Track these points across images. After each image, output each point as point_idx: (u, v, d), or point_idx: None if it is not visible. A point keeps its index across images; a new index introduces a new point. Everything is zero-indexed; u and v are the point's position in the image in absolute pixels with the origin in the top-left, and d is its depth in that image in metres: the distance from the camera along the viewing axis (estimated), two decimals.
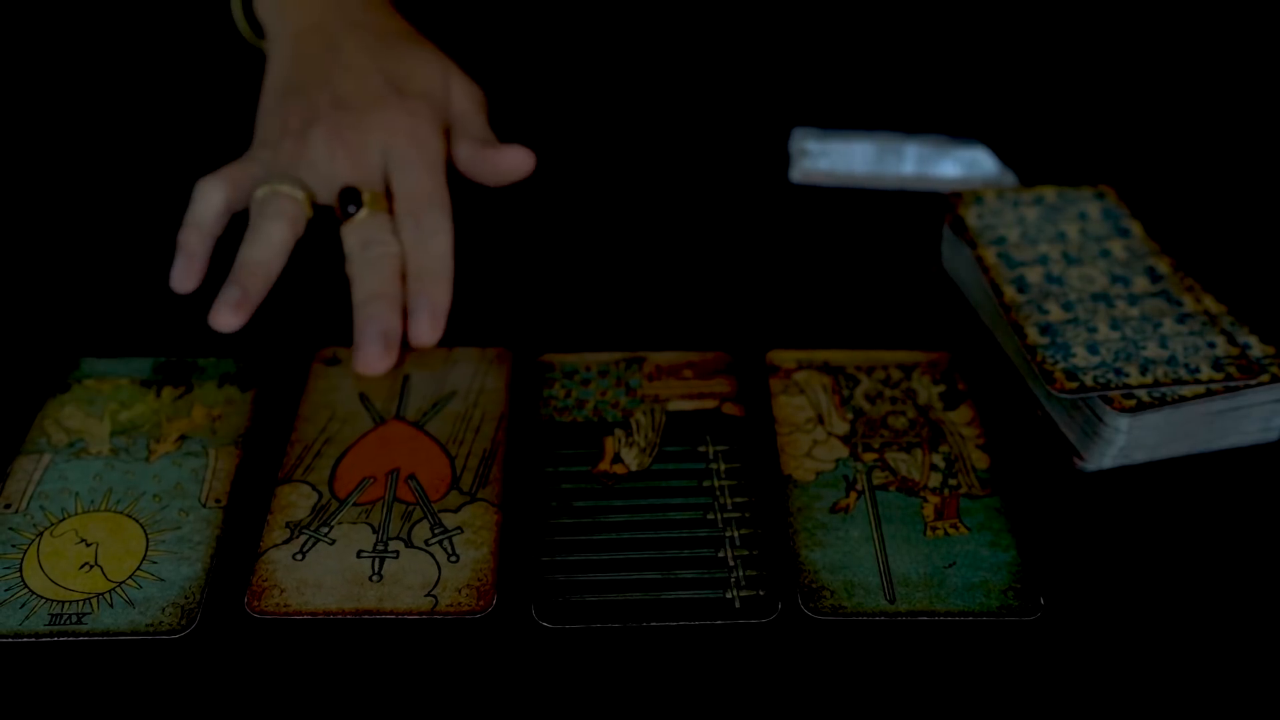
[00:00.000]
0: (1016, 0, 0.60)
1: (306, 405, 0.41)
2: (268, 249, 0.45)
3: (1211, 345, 0.40)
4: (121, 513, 0.37)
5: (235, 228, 0.47)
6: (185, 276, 0.45)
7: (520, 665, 0.34)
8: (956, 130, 0.53)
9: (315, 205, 0.47)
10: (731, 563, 0.36)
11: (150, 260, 0.46)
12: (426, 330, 0.44)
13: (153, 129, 0.53)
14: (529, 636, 0.34)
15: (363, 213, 0.46)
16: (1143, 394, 0.39)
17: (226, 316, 0.44)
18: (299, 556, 0.36)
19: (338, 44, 0.49)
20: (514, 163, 0.49)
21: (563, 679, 0.33)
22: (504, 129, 0.51)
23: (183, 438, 0.40)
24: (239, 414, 0.41)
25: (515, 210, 0.50)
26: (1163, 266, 0.44)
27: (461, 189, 0.49)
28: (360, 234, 0.46)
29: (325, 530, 0.37)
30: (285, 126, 0.48)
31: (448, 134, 0.49)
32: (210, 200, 0.46)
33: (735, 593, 0.36)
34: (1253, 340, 0.41)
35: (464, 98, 0.51)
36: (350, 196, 0.46)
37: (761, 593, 0.36)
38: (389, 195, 0.47)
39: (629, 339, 0.44)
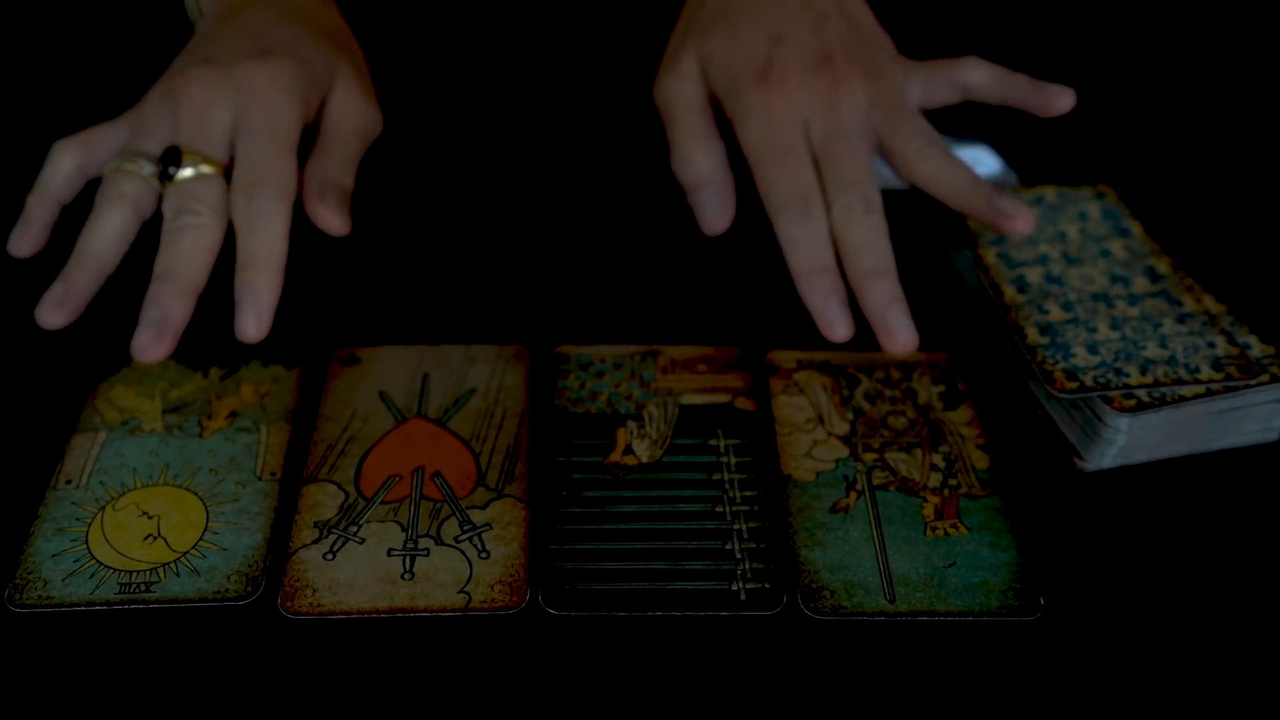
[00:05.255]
0: (1016, 0, 0.54)
1: (327, 404, 0.38)
2: (104, 238, 0.38)
3: (1211, 345, 0.36)
4: (180, 486, 0.35)
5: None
6: (20, 241, 0.40)
7: (548, 660, 0.31)
8: (957, 130, 0.48)
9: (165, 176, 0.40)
10: (738, 555, 0.33)
11: None
12: (250, 326, 0.38)
13: None
14: (557, 631, 0.31)
15: (188, 173, 0.38)
16: (1143, 394, 0.35)
17: (50, 314, 0.38)
18: (329, 556, 0.33)
19: (239, 14, 0.43)
20: (325, 223, 0.41)
21: (567, 665, 0.30)
22: (516, 128, 0.47)
23: (233, 414, 0.37)
24: (286, 391, 0.38)
25: (532, 207, 0.46)
26: (1163, 266, 0.40)
27: (474, 183, 0.44)
28: (176, 201, 0.38)
29: (354, 529, 0.34)
30: (154, 88, 0.41)
31: (321, 117, 0.42)
32: (59, 165, 0.40)
33: (741, 585, 0.32)
34: (1253, 340, 0.37)
35: (348, 113, 0.42)
36: (170, 156, 0.38)
37: (767, 585, 0.32)
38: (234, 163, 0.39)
39: (644, 333, 0.41)
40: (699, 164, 0.42)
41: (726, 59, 0.42)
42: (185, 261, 0.37)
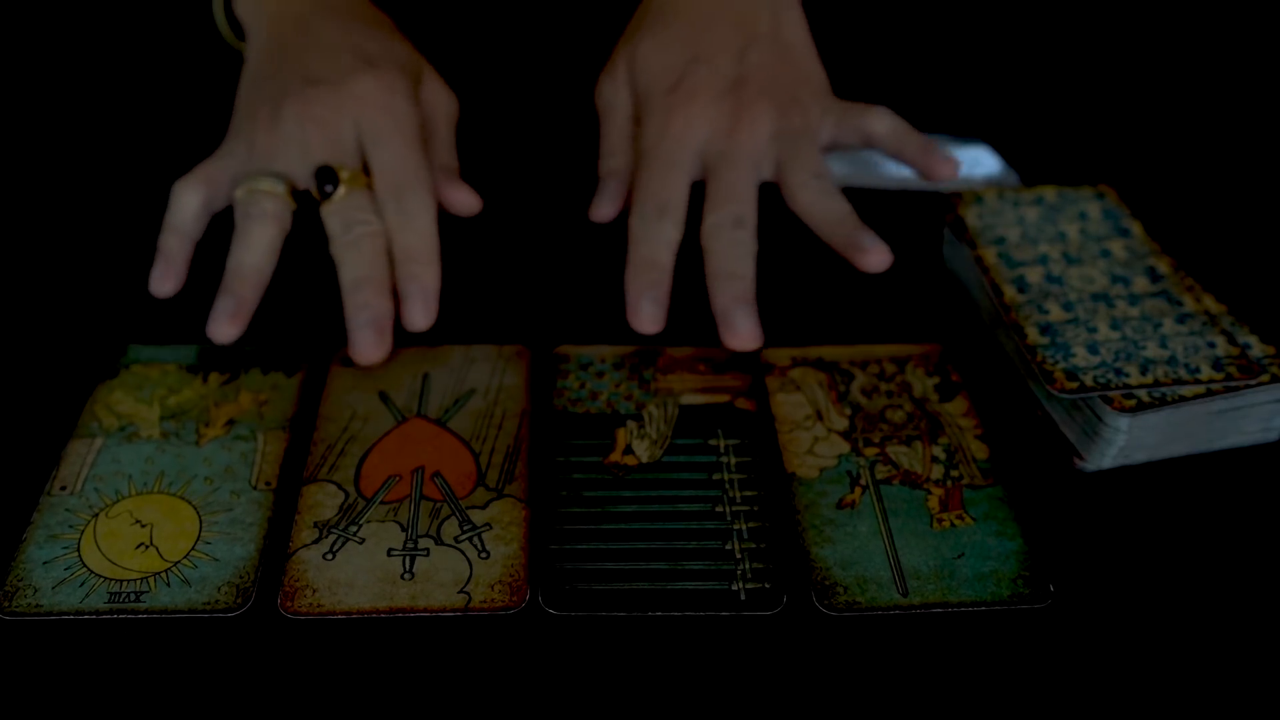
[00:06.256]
0: (1017, 0, 0.55)
1: (327, 405, 0.38)
2: (256, 252, 0.41)
3: (1211, 345, 0.37)
4: (174, 495, 0.35)
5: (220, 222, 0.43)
6: (164, 280, 0.42)
7: (548, 660, 0.31)
8: (959, 130, 0.49)
9: (297, 193, 0.42)
10: (738, 555, 0.33)
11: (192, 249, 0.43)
12: (420, 315, 0.40)
13: (194, 128, 0.50)
14: (557, 631, 0.31)
15: (341, 191, 0.41)
16: (1143, 394, 0.35)
17: (224, 328, 0.40)
18: (329, 556, 0.33)
19: (311, 28, 0.45)
20: (461, 204, 0.44)
21: (567, 665, 0.31)
22: (515, 127, 0.47)
23: (231, 422, 0.37)
24: (285, 399, 0.38)
25: (531, 208, 0.47)
26: (1163, 266, 0.40)
27: (474, 184, 0.45)
28: (341, 215, 0.41)
29: (354, 529, 0.34)
30: (256, 113, 0.43)
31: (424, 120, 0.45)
32: (187, 203, 0.42)
33: (741, 585, 0.33)
34: (1253, 340, 0.38)
35: (436, 102, 0.46)
36: (326, 176, 0.41)
37: (767, 585, 0.33)
38: (368, 172, 0.42)
39: (644, 334, 0.41)
40: (614, 160, 0.46)
41: (648, 69, 0.45)
42: (374, 265, 0.40)
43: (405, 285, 0.40)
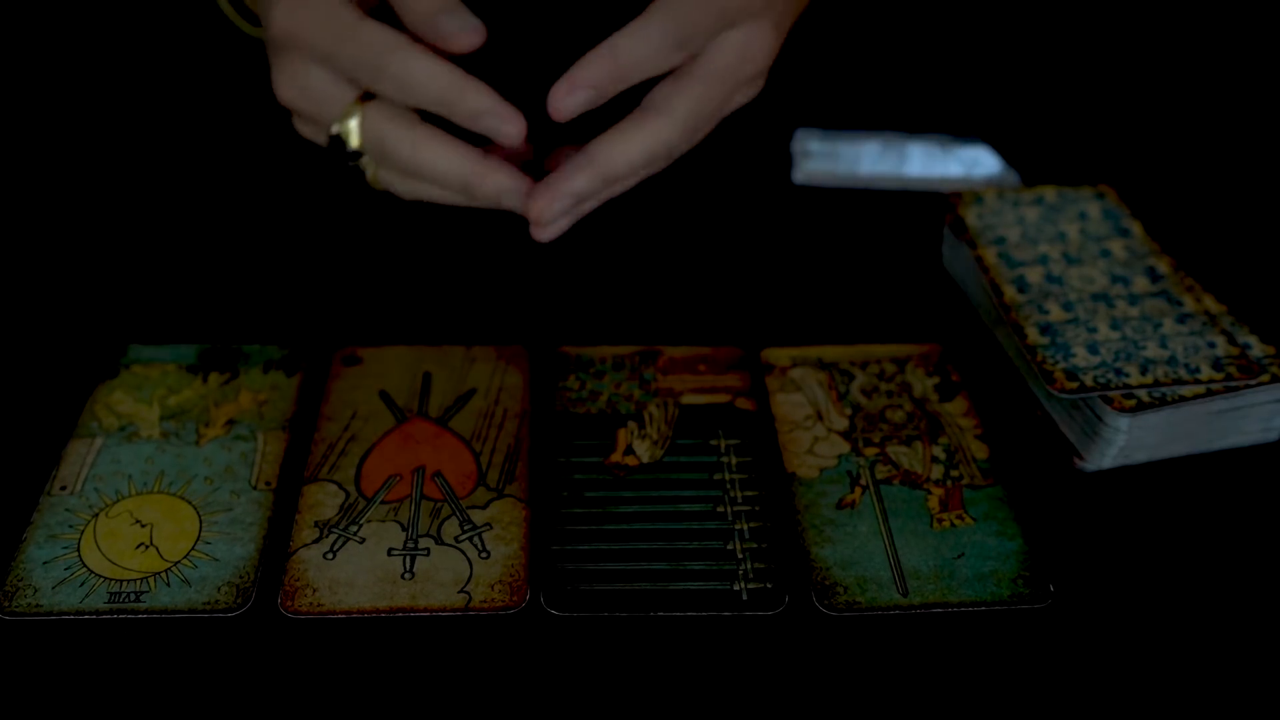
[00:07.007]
0: (1017, 0, 0.56)
1: (328, 404, 0.38)
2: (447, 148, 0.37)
3: (1211, 345, 0.37)
4: (174, 495, 0.35)
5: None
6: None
7: (548, 660, 0.31)
8: (959, 130, 0.49)
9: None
10: (740, 555, 0.34)
11: (192, 249, 0.44)
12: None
13: (195, 129, 0.50)
14: (558, 631, 0.31)
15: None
16: (1143, 394, 0.36)
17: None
18: (330, 556, 0.33)
19: None
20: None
21: (568, 666, 0.31)
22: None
23: (231, 422, 0.37)
24: (285, 399, 0.38)
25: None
26: (1163, 266, 0.40)
27: None
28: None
29: (354, 529, 0.34)
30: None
31: None
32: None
33: (743, 585, 0.33)
34: (1253, 340, 0.38)
35: None
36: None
37: (769, 585, 0.33)
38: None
39: (644, 333, 0.41)
40: None
41: None
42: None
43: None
